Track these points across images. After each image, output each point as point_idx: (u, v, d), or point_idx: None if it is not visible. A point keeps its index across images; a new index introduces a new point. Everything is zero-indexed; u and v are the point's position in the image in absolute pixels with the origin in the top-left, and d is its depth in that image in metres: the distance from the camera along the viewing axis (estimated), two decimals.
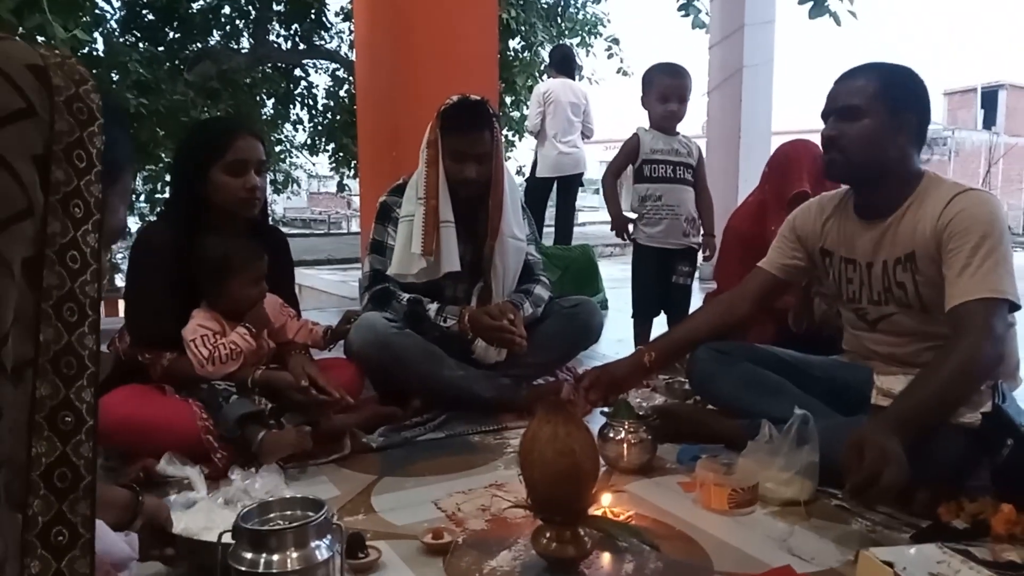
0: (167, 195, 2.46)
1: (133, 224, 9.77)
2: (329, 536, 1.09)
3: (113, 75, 7.57)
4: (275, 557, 1.03)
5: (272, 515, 1.14)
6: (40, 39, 5.69)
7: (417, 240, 2.23)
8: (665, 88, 2.84)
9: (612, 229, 3.00)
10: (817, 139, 2.15)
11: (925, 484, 1.54)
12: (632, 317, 2.99)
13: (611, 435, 1.82)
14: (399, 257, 2.27)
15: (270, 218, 2.33)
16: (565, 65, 5.34)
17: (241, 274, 1.95)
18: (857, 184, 1.80)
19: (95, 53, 7.60)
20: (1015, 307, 1.58)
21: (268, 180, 2.07)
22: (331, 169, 11.90)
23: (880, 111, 1.66)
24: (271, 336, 2.05)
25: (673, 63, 2.91)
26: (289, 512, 1.14)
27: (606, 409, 1.91)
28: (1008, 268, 1.58)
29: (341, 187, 12.06)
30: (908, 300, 1.72)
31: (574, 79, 5.47)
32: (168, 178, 6.43)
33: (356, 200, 6.26)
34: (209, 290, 1.97)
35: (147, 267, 2.00)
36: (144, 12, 8.98)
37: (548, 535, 1.33)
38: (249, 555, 1.04)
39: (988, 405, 1.57)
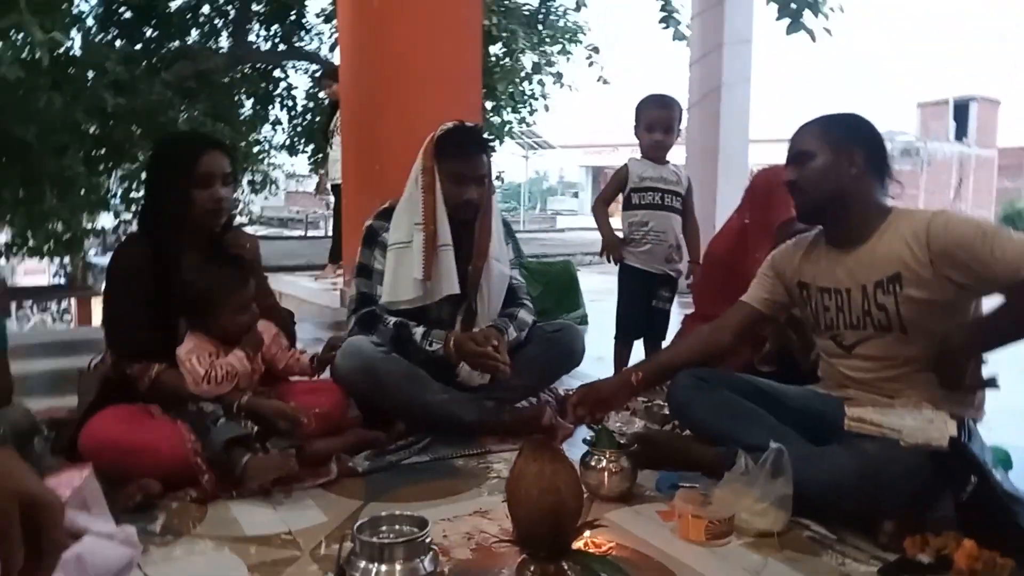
0: (139, 212, 2.52)
1: (109, 222, 9.65)
2: (430, 553, 1.18)
3: (89, 74, 7.48)
4: (384, 568, 1.14)
5: (383, 528, 1.23)
6: (18, 36, 5.64)
7: (418, 266, 2.25)
8: (651, 119, 2.88)
9: (602, 253, 3.00)
10: None
11: (892, 514, 1.62)
12: (615, 338, 3.03)
13: (592, 464, 1.87)
14: (392, 285, 2.30)
15: (244, 219, 2.37)
16: None
17: (229, 304, 1.98)
18: (826, 219, 1.91)
19: (72, 54, 7.50)
20: None
21: (235, 191, 2.15)
22: (310, 170, 11.82)
23: (826, 149, 1.84)
24: (263, 360, 2.07)
25: (662, 95, 2.95)
26: (397, 527, 1.24)
27: (588, 437, 1.96)
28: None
29: (320, 188, 11.97)
30: (888, 322, 1.78)
31: None
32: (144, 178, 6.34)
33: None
34: (200, 323, 1.99)
35: (124, 286, 2.04)
36: (122, 10, 8.87)
37: (532, 569, 1.37)
38: (363, 564, 1.15)
39: (954, 430, 1.63)
